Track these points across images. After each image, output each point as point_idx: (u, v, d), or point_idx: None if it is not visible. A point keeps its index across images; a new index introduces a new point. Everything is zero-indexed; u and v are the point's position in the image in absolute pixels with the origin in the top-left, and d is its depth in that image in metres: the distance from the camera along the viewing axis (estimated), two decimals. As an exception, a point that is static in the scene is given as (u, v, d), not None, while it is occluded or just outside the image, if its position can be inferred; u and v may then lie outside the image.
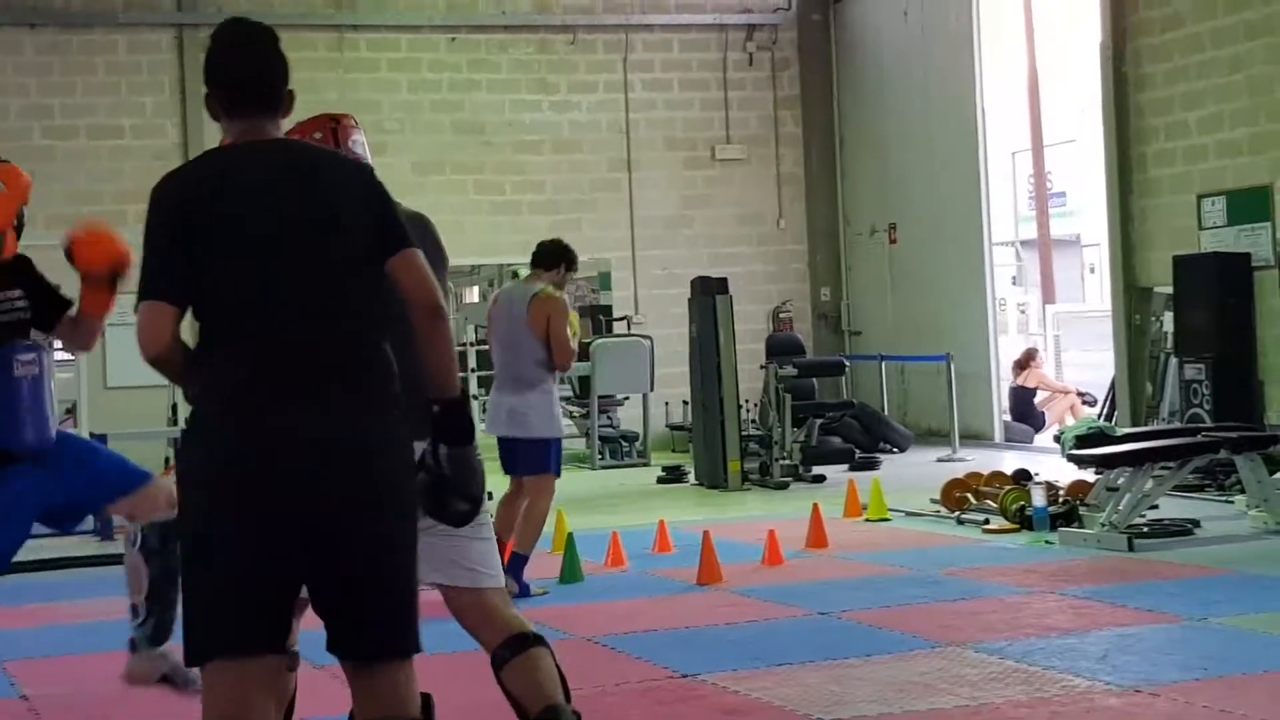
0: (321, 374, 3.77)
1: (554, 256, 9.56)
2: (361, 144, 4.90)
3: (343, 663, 3.92)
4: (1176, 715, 5.82)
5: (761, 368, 16.42)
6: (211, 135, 19.26)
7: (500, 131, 19.52)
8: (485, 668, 4.78)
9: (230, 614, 3.72)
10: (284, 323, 3.79)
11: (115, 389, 16.90)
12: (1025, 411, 18.49)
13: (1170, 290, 14.75)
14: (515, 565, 8.79)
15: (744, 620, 8.09)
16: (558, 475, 9.36)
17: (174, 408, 13.72)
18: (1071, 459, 10.98)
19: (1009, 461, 14.90)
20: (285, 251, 3.80)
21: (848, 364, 18.19)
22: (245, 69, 3.99)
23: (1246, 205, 14.21)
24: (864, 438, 17.38)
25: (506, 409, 9.16)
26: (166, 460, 13.53)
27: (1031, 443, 17.68)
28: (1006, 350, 20.53)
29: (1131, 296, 15.73)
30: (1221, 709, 5.82)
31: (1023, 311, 27.96)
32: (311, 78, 18.63)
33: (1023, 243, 32.54)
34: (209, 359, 3.82)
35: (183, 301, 3.81)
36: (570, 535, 9.84)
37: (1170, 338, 14.84)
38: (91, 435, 13.08)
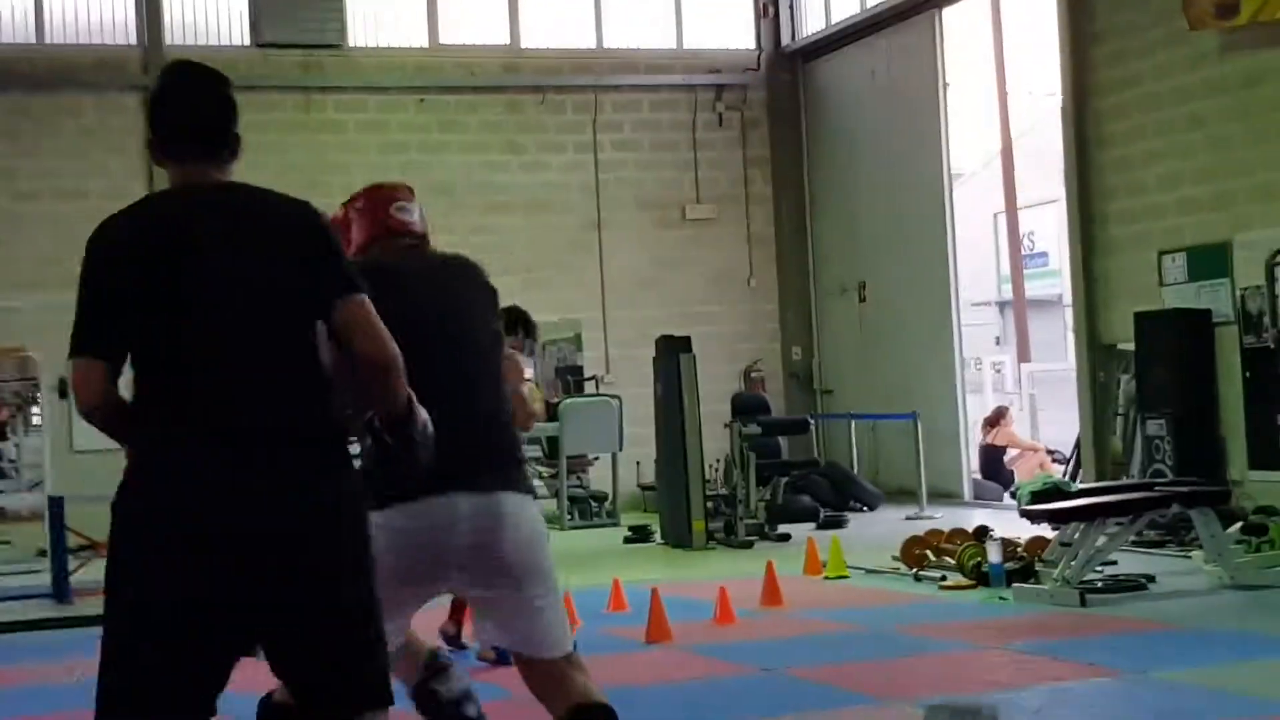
0: (259, 431, 3.63)
1: (512, 323, 9.54)
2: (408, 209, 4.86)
3: None
4: (1103, 769, 5.80)
5: (726, 426, 16.41)
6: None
7: (470, 192, 19.56)
8: None
9: (151, 674, 3.57)
10: (222, 380, 3.64)
11: (81, 453, 16.84)
12: (995, 469, 18.50)
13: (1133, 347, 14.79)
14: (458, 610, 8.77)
15: (686, 677, 8.06)
16: None
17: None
18: (1025, 514, 10.98)
19: (976, 519, 14.84)
20: (221, 304, 3.65)
21: (812, 422, 18.19)
22: (185, 111, 3.86)
23: (1206, 261, 14.26)
24: (833, 496, 17.37)
25: None
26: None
27: (1001, 500, 17.66)
28: (982, 410, 20.59)
29: (1096, 354, 15.75)
30: (1149, 762, 5.80)
31: (998, 371, 28.01)
32: (280, 140, 18.71)
33: (1004, 302, 32.68)
34: (145, 413, 3.68)
35: (116, 357, 3.69)
36: (521, 594, 9.78)
37: (1131, 395, 14.87)
38: (51, 499, 13.07)
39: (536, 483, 16.97)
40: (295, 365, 3.71)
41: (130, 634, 3.60)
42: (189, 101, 3.87)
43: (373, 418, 3.82)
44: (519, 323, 9.61)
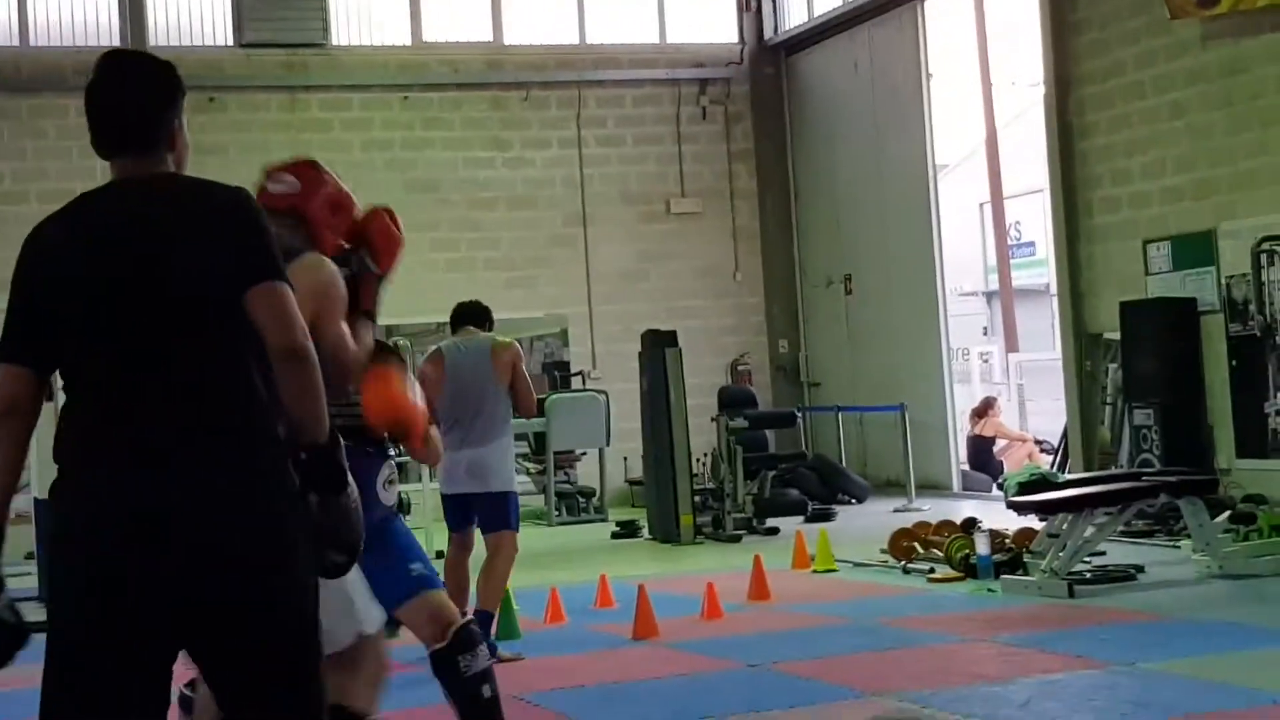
0: (167, 432, 3.47)
1: (482, 314, 9.49)
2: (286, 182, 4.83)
3: None
4: (1090, 761, 5.79)
5: (713, 420, 16.40)
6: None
7: (454, 189, 19.54)
8: None
9: (84, 681, 3.47)
10: (128, 382, 3.51)
11: (66, 453, 16.85)
12: (984, 460, 18.49)
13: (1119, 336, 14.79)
14: (483, 623, 8.55)
15: (672, 673, 8.04)
16: (516, 530, 9.17)
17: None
18: (1012, 506, 10.97)
19: (965, 510, 14.83)
20: (127, 303, 3.50)
21: (799, 415, 18.18)
22: (113, 104, 3.69)
23: (1191, 250, 14.25)
24: (821, 489, 17.35)
25: (465, 464, 8.95)
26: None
27: (990, 492, 17.64)
28: (970, 400, 20.57)
29: (1082, 343, 15.75)
30: (1136, 754, 5.79)
31: (985, 361, 28.00)
32: (264, 139, 18.68)
33: (992, 292, 32.64)
34: (65, 420, 3.60)
35: (37, 362, 3.60)
36: (508, 591, 9.76)
37: (1119, 384, 14.87)
38: (37, 500, 13.02)
39: (524, 479, 16.92)
40: (202, 361, 3.52)
41: (62, 641, 3.51)
42: (116, 94, 3.69)
43: (297, 453, 3.56)
44: (487, 313, 9.45)
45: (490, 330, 9.38)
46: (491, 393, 9.03)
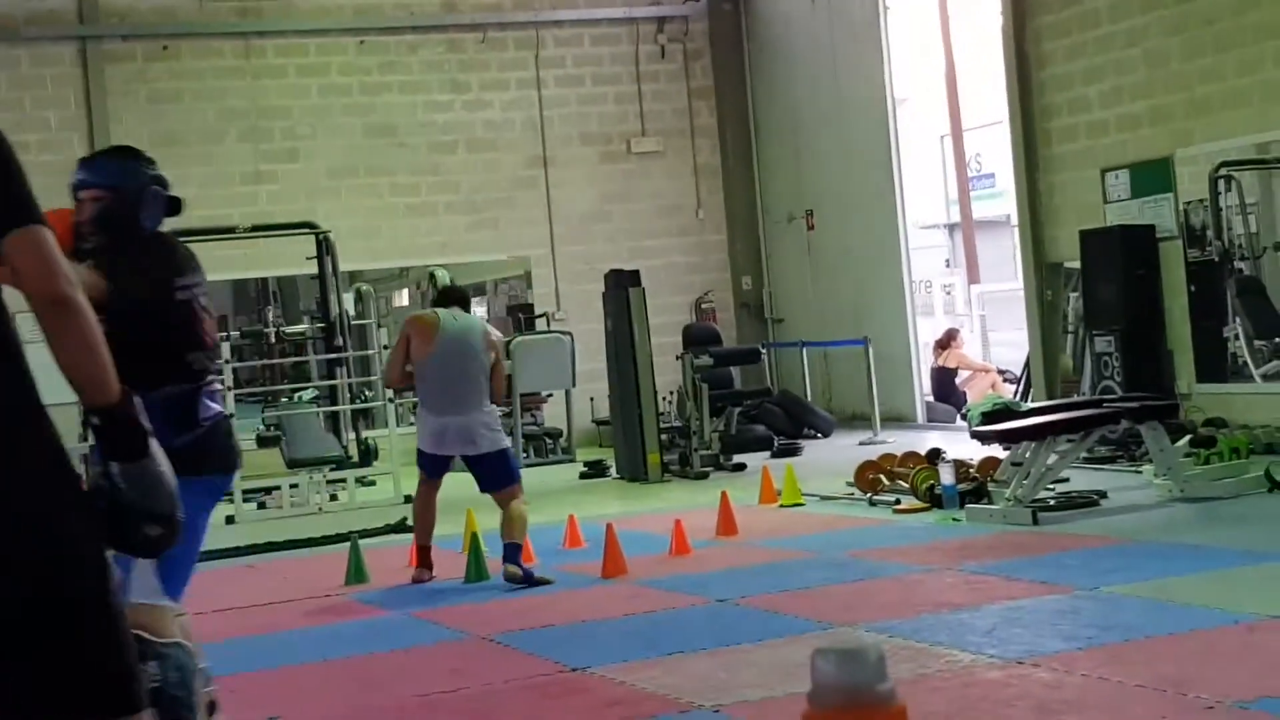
0: None
1: (468, 300, 10.31)
2: None
3: None
4: (1054, 684, 5.84)
5: (678, 358, 16.44)
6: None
7: (413, 133, 19.46)
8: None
9: None
10: None
11: (31, 407, 16.78)
12: (947, 392, 18.57)
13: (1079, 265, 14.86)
14: (513, 553, 9.16)
15: (641, 611, 8.09)
16: (519, 480, 9.70)
17: (84, 424, 13.59)
18: (976, 436, 11.04)
19: (930, 442, 14.89)
20: None
21: (764, 352, 18.24)
22: None
23: (1149, 178, 14.32)
24: (787, 425, 17.43)
25: (455, 429, 9.52)
26: (80, 476, 13.40)
27: (954, 423, 17.73)
28: (932, 332, 20.63)
29: (1043, 273, 15.82)
30: (1099, 676, 5.86)
31: (948, 293, 28.03)
32: (221, 86, 18.58)
33: (953, 224, 32.68)
34: None
35: None
36: (475, 535, 9.83)
37: (1080, 313, 14.96)
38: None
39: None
40: None
41: None
42: None
43: (99, 471, 3.12)
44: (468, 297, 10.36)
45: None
46: (479, 362, 9.61)
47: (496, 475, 9.54)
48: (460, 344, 9.59)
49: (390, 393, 14.48)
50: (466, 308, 10.03)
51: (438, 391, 9.58)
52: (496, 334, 10.12)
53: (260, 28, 18.94)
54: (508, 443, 9.85)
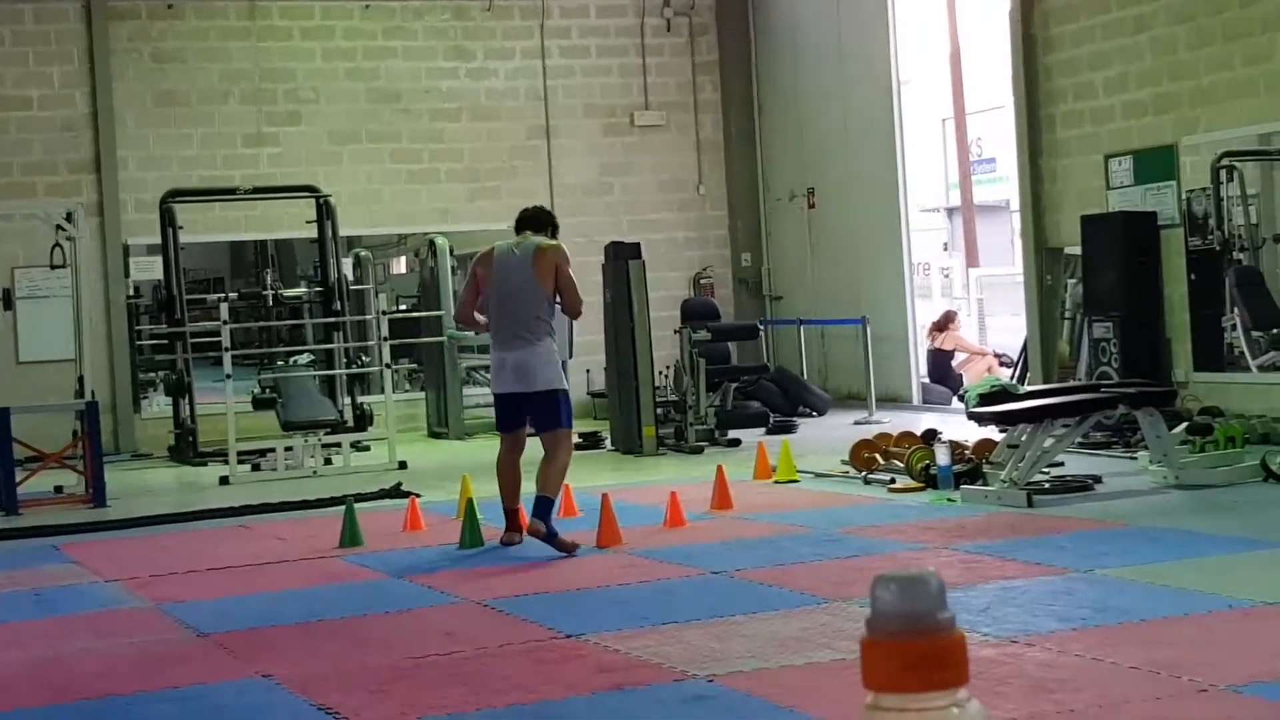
0: None
1: (543, 220, 9.65)
2: None
3: None
4: (1048, 664, 5.86)
5: (676, 332, 16.44)
6: (121, 103, 18.97)
7: (417, 99, 19.42)
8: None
9: None
10: None
11: (26, 364, 16.78)
12: (943, 374, 18.60)
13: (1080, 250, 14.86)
14: (542, 509, 9.03)
15: (636, 581, 8.11)
16: (570, 426, 9.46)
17: (80, 380, 13.60)
18: (972, 417, 11.05)
19: (925, 423, 14.93)
20: None
21: (761, 328, 18.24)
22: None
23: (1152, 165, 14.31)
24: (783, 402, 17.46)
25: (512, 364, 9.24)
26: (74, 432, 13.43)
27: (949, 404, 17.77)
28: (930, 314, 20.64)
29: (1043, 257, 15.82)
30: (1093, 657, 5.87)
31: (946, 276, 28.06)
32: (224, 47, 18.53)
33: (953, 208, 32.69)
34: None
35: None
36: (471, 501, 9.83)
37: (1078, 299, 14.96)
38: (-1, 409, 12.98)
39: (484, 390, 16.92)
40: None
41: None
42: None
43: None
44: (548, 218, 9.77)
45: (553, 236, 9.51)
46: (534, 295, 9.19)
47: (544, 416, 9.29)
48: (514, 277, 9.21)
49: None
50: (539, 229, 9.51)
51: (495, 326, 9.31)
52: (560, 251, 9.38)
53: (265, -12, 18.87)
54: (563, 384, 9.43)
